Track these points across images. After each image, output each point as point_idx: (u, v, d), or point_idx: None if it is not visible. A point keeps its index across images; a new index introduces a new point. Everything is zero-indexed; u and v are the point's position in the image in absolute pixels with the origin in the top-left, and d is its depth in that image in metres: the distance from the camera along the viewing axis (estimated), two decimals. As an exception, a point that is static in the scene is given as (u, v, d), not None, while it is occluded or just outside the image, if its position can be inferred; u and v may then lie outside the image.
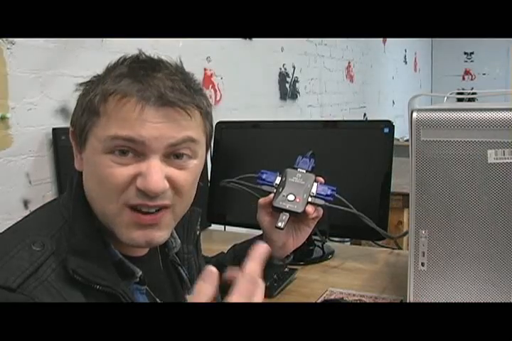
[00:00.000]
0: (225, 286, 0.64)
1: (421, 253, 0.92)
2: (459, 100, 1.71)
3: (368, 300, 1.06)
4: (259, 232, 0.94)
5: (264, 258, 0.61)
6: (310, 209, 0.87)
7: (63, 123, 1.42)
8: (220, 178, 1.17)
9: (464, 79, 6.11)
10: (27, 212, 1.31)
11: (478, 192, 0.87)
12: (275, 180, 0.90)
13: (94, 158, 0.64)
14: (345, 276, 1.22)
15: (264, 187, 0.90)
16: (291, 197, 0.86)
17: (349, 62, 3.56)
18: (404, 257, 1.23)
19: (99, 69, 0.69)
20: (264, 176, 0.91)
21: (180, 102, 0.62)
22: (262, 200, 0.90)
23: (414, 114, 0.90)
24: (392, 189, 1.26)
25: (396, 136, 1.28)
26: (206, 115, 0.69)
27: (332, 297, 1.09)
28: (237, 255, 0.94)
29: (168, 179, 0.64)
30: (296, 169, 0.91)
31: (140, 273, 0.70)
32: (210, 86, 2.08)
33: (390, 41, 4.41)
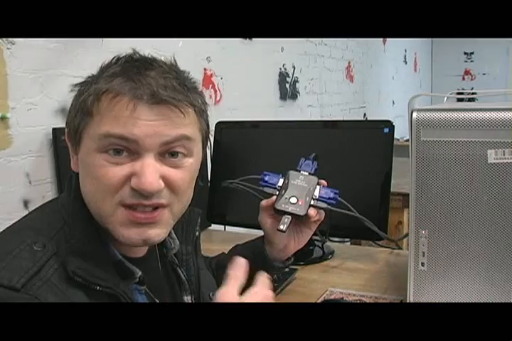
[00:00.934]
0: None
1: (421, 253, 0.92)
2: (459, 100, 1.71)
3: (368, 300, 1.06)
4: (260, 232, 0.94)
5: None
6: (312, 212, 0.87)
7: (63, 123, 1.42)
8: (220, 178, 1.17)
9: (463, 79, 6.11)
10: (27, 212, 1.31)
11: (478, 192, 0.87)
12: (278, 182, 0.90)
13: (89, 158, 0.64)
14: (345, 276, 1.22)
15: (267, 189, 0.90)
16: (293, 200, 0.86)
17: (349, 62, 3.56)
18: (404, 257, 1.23)
19: (100, 70, 0.69)
20: (266, 178, 0.90)
21: (173, 100, 0.62)
22: (264, 202, 0.90)
23: (414, 114, 0.90)
24: (392, 189, 1.26)
25: (396, 136, 1.28)
26: (201, 113, 0.68)
27: (332, 297, 1.09)
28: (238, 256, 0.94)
29: (164, 178, 0.63)
30: (299, 171, 0.91)
31: (139, 273, 0.70)
32: (210, 86, 2.08)
33: (390, 41, 4.41)
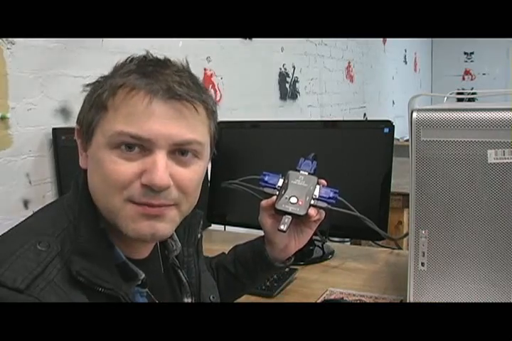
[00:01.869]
0: None
1: (421, 253, 0.92)
2: (459, 100, 1.71)
3: (367, 300, 1.06)
4: (260, 232, 0.94)
5: None
6: (313, 211, 0.86)
7: (63, 124, 1.42)
8: (219, 178, 1.17)
9: (463, 79, 6.11)
10: (27, 212, 1.31)
11: (478, 192, 0.87)
12: (278, 182, 0.90)
13: (99, 153, 0.64)
14: (345, 276, 1.22)
15: (267, 190, 0.90)
16: (293, 200, 0.86)
17: (349, 62, 3.56)
18: (404, 257, 1.23)
19: (100, 69, 0.69)
20: (266, 178, 0.90)
21: (187, 96, 0.63)
22: (264, 202, 0.90)
23: (414, 114, 0.90)
24: (392, 189, 1.26)
25: (396, 136, 1.28)
26: (212, 114, 0.69)
27: (332, 297, 1.09)
28: (238, 256, 0.94)
29: (173, 177, 0.64)
30: (299, 171, 0.90)
31: (143, 275, 0.70)
32: (210, 86, 2.08)
33: (390, 41, 4.41)
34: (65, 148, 1.37)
